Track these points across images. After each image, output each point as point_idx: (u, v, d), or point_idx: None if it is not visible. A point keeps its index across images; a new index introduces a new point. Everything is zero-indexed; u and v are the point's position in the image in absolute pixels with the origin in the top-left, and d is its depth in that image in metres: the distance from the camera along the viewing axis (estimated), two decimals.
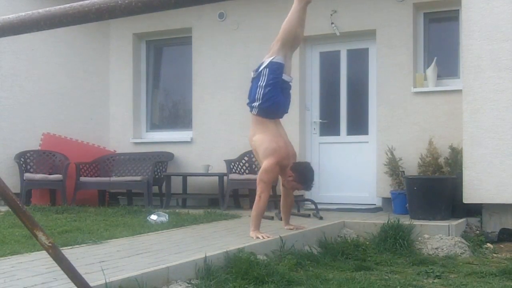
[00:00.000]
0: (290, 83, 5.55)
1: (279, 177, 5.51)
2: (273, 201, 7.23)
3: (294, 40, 5.42)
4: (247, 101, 5.43)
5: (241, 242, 4.68)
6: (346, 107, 8.29)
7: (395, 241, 5.56)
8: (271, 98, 5.25)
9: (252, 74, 5.45)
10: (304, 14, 5.39)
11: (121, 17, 1.43)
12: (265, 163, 5.17)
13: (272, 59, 5.28)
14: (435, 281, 4.41)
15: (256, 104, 5.27)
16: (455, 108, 7.00)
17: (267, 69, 5.27)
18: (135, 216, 6.85)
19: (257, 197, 5.15)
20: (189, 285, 3.69)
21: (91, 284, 2.58)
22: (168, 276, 3.62)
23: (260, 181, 5.14)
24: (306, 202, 7.72)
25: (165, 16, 8.92)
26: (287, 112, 5.57)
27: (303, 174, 5.31)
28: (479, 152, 6.18)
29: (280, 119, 5.50)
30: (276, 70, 5.28)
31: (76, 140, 9.15)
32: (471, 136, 6.23)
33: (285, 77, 5.39)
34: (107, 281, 3.13)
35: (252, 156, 7.83)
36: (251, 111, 5.37)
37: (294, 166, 5.31)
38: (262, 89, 5.24)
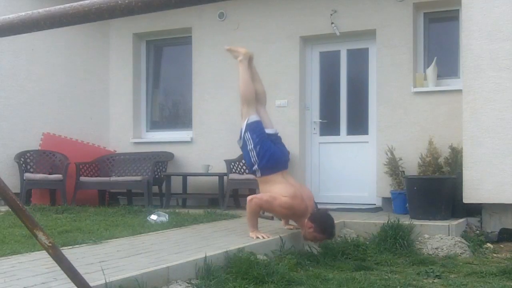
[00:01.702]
0: (278, 135, 5.53)
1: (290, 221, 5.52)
2: None
3: (257, 96, 5.48)
4: (247, 171, 5.44)
5: (241, 242, 4.68)
6: (346, 107, 8.29)
7: (395, 241, 5.55)
8: (266, 153, 5.23)
9: (238, 144, 5.47)
10: (254, 70, 5.56)
11: (121, 17, 1.43)
12: (283, 198, 5.01)
13: (247, 121, 5.34)
14: (435, 281, 4.41)
15: (255, 166, 5.24)
16: (455, 108, 7.00)
17: (248, 132, 5.30)
18: (135, 216, 6.85)
19: (248, 198, 5.15)
20: (189, 285, 3.69)
21: (91, 284, 2.58)
22: (168, 276, 3.62)
23: (265, 196, 5.07)
24: None
25: (165, 16, 8.92)
26: (288, 160, 5.53)
27: (323, 224, 5.09)
28: (479, 152, 6.18)
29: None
30: (256, 128, 5.30)
31: (76, 140, 9.15)
32: (471, 136, 6.23)
33: (268, 130, 5.40)
34: (107, 281, 3.13)
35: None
36: (255, 175, 5.34)
37: (312, 217, 5.09)
38: (254, 151, 5.24)
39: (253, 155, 5.23)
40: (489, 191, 6.14)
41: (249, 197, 5.16)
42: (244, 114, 5.38)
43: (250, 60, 5.52)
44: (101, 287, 3.09)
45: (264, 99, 5.64)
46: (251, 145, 5.25)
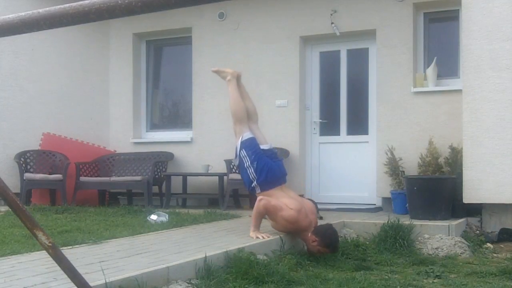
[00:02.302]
0: (274, 150, 5.55)
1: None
2: None
3: (248, 114, 5.52)
4: (247, 189, 5.47)
5: (241, 242, 4.68)
6: (346, 107, 8.29)
7: (395, 241, 5.55)
8: (264, 168, 5.25)
9: (234, 163, 5.51)
10: (243, 88, 5.61)
11: (121, 17, 1.43)
12: (289, 211, 4.99)
13: (241, 139, 5.37)
14: (435, 281, 4.41)
15: (254, 183, 5.27)
16: (455, 108, 7.00)
17: (243, 149, 5.34)
18: (135, 216, 6.85)
19: (258, 198, 5.17)
20: (189, 285, 3.69)
21: (91, 284, 2.58)
22: (168, 276, 3.62)
23: (273, 202, 5.05)
24: None
25: (165, 16, 8.92)
26: (286, 174, 5.54)
27: (327, 237, 5.04)
28: (479, 152, 6.18)
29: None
30: (250, 145, 5.34)
31: (76, 140, 9.15)
32: (471, 136, 6.23)
33: (263, 146, 5.42)
34: (107, 281, 3.13)
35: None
36: (255, 193, 5.36)
37: (316, 231, 5.06)
38: (251, 168, 5.27)
39: (251, 171, 5.26)
40: (489, 191, 6.14)
41: (259, 197, 5.16)
42: (238, 132, 5.44)
43: (238, 79, 5.60)
44: (101, 287, 3.09)
45: (255, 116, 5.68)
46: (248, 162, 5.29)
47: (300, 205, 5.10)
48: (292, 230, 5.13)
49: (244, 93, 5.66)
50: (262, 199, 5.11)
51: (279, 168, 5.42)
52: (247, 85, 5.67)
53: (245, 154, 5.29)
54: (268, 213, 5.20)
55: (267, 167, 5.26)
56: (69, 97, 9.22)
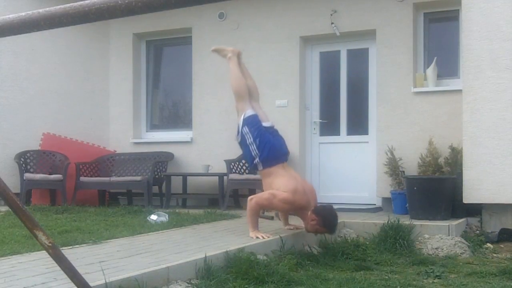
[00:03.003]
0: (274, 127, 5.54)
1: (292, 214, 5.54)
2: None
3: (249, 92, 5.49)
4: (249, 166, 5.45)
5: (241, 242, 4.68)
6: (346, 107, 8.29)
7: (395, 241, 5.55)
8: (266, 145, 5.25)
9: (236, 140, 5.48)
10: (242, 66, 5.59)
11: (121, 17, 1.43)
12: (283, 193, 5.03)
13: (244, 116, 5.36)
14: (435, 281, 4.41)
15: (257, 160, 5.26)
16: (455, 108, 7.00)
17: (245, 126, 5.32)
18: (135, 216, 6.85)
19: (249, 198, 5.16)
20: (189, 285, 3.69)
21: (91, 284, 2.58)
22: (168, 276, 3.62)
23: (265, 194, 5.10)
24: None
25: (165, 16, 8.92)
26: (288, 153, 5.53)
27: (327, 218, 5.11)
28: (479, 152, 6.18)
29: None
30: (252, 121, 5.33)
31: (76, 140, 9.15)
32: (471, 136, 6.23)
33: (265, 124, 5.41)
34: (107, 281, 3.13)
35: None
36: (257, 169, 5.37)
37: (317, 210, 5.12)
38: (254, 144, 5.26)
39: (254, 148, 5.24)
40: (489, 191, 6.14)
41: (249, 197, 5.18)
42: (240, 110, 5.42)
43: (238, 56, 5.57)
44: (101, 287, 3.09)
45: (256, 94, 5.64)
46: (251, 138, 5.26)
47: (296, 185, 5.11)
48: (292, 210, 5.23)
49: (245, 71, 5.62)
50: (253, 198, 5.14)
51: (281, 146, 5.43)
52: None
53: (248, 130, 5.28)
54: (264, 207, 5.26)
55: (270, 144, 5.27)
56: (69, 97, 9.22)
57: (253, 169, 5.50)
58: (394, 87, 7.67)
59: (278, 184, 5.11)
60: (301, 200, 5.10)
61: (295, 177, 5.27)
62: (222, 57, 5.71)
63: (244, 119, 5.33)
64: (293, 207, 5.18)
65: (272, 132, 5.43)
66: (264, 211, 6.83)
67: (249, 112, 5.35)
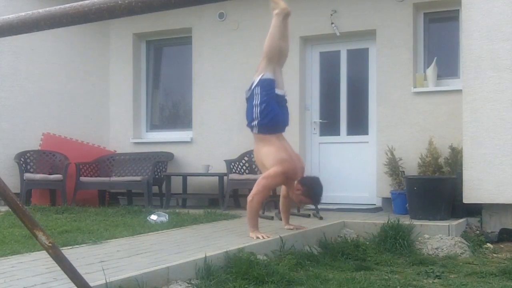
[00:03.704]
0: (285, 97, 5.51)
1: (283, 187, 5.54)
2: (273, 201, 7.24)
3: (279, 55, 5.42)
4: (246, 122, 5.42)
5: (241, 242, 4.68)
6: (346, 107, 8.29)
7: (395, 241, 5.55)
8: (269, 114, 5.23)
9: (245, 95, 5.46)
10: (286, 28, 5.44)
11: (121, 17, 1.43)
12: (271, 169, 5.11)
13: (262, 76, 5.29)
14: (435, 281, 4.41)
15: (255, 122, 5.25)
16: (455, 108, 7.00)
17: (259, 87, 5.27)
18: (135, 216, 6.85)
19: (249, 198, 5.12)
20: (189, 285, 3.69)
21: (91, 284, 2.58)
22: (168, 276, 3.62)
23: (259, 184, 5.12)
24: None
25: (165, 16, 8.92)
26: (287, 125, 5.52)
27: (311, 189, 5.22)
28: (479, 152, 6.18)
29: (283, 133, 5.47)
30: (267, 86, 5.27)
31: (76, 140, 9.15)
32: (471, 136, 6.23)
33: (278, 91, 5.37)
34: (107, 281, 3.13)
35: (252, 156, 7.82)
36: (252, 131, 5.36)
37: (302, 180, 5.24)
38: (258, 107, 5.24)
39: (256, 111, 5.23)
40: (489, 191, 6.14)
41: (249, 198, 5.15)
42: (261, 69, 5.33)
43: (286, 16, 5.39)
44: (101, 287, 3.09)
45: (284, 59, 5.58)
46: (258, 100, 5.23)
47: (282, 156, 5.15)
48: (286, 180, 5.25)
49: (286, 32, 5.48)
50: (253, 197, 5.10)
51: (284, 117, 5.41)
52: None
53: (258, 92, 5.25)
54: (267, 195, 5.34)
55: (273, 113, 5.25)
56: (69, 97, 9.22)
57: (248, 127, 5.43)
58: (394, 87, 7.67)
59: (267, 152, 5.17)
60: (289, 169, 5.14)
61: (286, 148, 5.30)
62: (271, 9, 5.51)
63: (260, 79, 5.27)
64: (287, 177, 5.19)
65: (280, 102, 5.39)
66: (264, 211, 6.85)
67: (268, 75, 5.28)
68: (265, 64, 5.32)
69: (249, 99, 5.35)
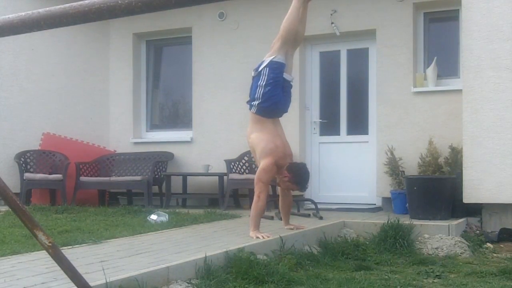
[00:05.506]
0: (291, 82, 5.51)
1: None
2: (273, 201, 7.24)
3: (295, 38, 5.38)
4: (248, 99, 5.42)
5: (241, 242, 4.68)
6: (346, 107, 8.29)
7: (395, 241, 5.55)
8: (271, 98, 5.23)
9: (252, 73, 5.43)
10: (305, 12, 5.39)
11: (121, 17, 1.43)
12: (262, 163, 5.16)
13: (273, 58, 5.25)
14: (435, 281, 4.41)
15: (255, 103, 5.25)
16: (455, 108, 7.00)
17: (267, 68, 5.24)
18: (135, 216, 6.85)
19: (255, 197, 5.13)
20: (189, 285, 3.69)
21: (91, 284, 2.58)
22: (168, 276, 3.62)
23: (259, 180, 5.13)
24: (306, 202, 7.73)
25: (165, 16, 8.92)
26: (286, 112, 5.54)
27: (298, 175, 5.29)
28: (479, 152, 6.18)
29: (280, 118, 5.47)
30: (276, 69, 5.25)
31: (76, 140, 9.15)
32: (471, 136, 6.23)
33: (286, 76, 5.36)
34: (107, 281, 3.13)
35: (252, 156, 7.83)
36: (250, 109, 5.36)
37: (289, 167, 5.28)
38: (262, 89, 5.22)
39: (260, 91, 5.23)
40: (489, 191, 6.14)
41: (256, 197, 5.13)
42: (274, 50, 5.29)
43: (306, 1, 5.34)
44: (101, 287, 3.09)
45: (298, 44, 5.59)
46: (263, 82, 5.22)
47: (273, 146, 5.18)
48: (277, 167, 5.27)
49: (304, 17, 5.45)
50: (260, 197, 5.09)
51: (285, 103, 5.43)
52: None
53: (266, 73, 5.23)
54: (268, 183, 5.34)
55: (276, 98, 5.25)
56: (69, 97, 9.22)
57: (247, 104, 5.42)
58: (394, 87, 7.67)
59: (259, 140, 5.20)
60: (279, 157, 5.18)
61: (278, 135, 5.31)
62: None
63: (270, 61, 5.25)
64: (276, 165, 5.20)
65: (285, 87, 5.39)
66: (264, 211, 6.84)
67: (279, 58, 5.27)
68: (278, 46, 5.28)
69: (255, 78, 5.34)
